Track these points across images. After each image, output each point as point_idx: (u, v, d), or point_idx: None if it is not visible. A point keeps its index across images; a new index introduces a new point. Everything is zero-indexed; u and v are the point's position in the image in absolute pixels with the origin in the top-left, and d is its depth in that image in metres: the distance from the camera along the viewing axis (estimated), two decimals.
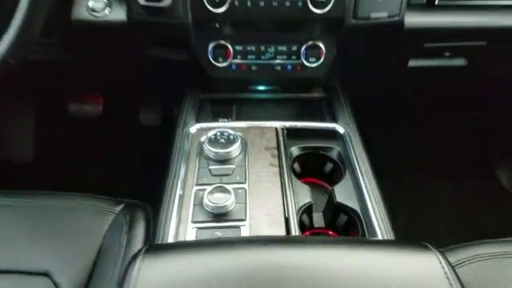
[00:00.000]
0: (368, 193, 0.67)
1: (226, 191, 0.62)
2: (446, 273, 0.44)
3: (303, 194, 0.67)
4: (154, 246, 0.52)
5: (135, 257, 0.42)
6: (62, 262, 0.67)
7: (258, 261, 0.43)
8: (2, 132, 1.36)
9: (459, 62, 0.94)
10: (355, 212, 0.65)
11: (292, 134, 0.77)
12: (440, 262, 0.45)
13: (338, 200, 0.67)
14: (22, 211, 0.74)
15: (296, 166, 0.75)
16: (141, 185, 0.90)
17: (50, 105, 1.34)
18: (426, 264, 0.45)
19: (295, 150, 0.76)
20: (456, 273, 0.44)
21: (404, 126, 1.25)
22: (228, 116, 0.82)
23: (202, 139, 0.72)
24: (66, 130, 1.36)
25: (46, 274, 0.65)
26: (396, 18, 0.77)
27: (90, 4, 0.75)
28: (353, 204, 0.66)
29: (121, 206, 0.74)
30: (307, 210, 0.67)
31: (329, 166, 0.77)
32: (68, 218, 0.73)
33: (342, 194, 0.68)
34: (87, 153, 1.32)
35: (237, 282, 0.39)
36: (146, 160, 1.14)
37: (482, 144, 1.36)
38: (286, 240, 0.52)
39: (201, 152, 0.71)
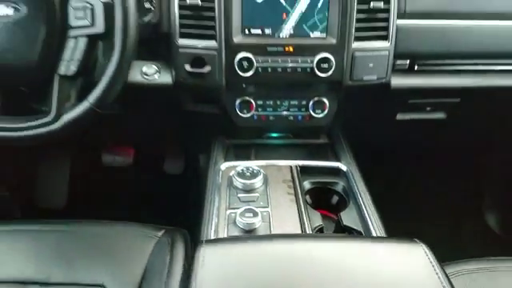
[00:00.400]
0: (370, 218, 0.80)
1: (253, 212, 0.77)
2: (431, 262, 0.57)
3: (315, 219, 0.82)
4: (211, 240, 0.66)
5: (198, 247, 0.56)
6: (115, 276, 0.78)
7: (286, 250, 0.58)
8: (39, 178, 1.51)
9: (440, 115, 1.11)
10: (359, 232, 0.80)
11: (304, 171, 0.92)
12: (426, 254, 0.58)
13: (344, 223, 0.81)
14: (81, 235, 0.86)
15: (307, 197, 0.90)
16: (171, 216, 1.02)
17: (85, 154, 1.51)
18: (413, 255, 0.58)
19: (307, 184, 0.90)
20: (442, 266, 0.57)
21: (398, 169, 1.41)
22: (249, 157, 0.99)
23: (231, 173, 0.88)
24: (97, 177, 1.51)
25: (101, 286, 0.77)
26: (384, 80, 0.95)
27: (144, 69, 0.95)
28: (357, 226, 0.81)
29: (162, 231, 0.86)
30: (319, 231, 0.81)
31: (335, 199, 0.91)
32: (118, 240, 0.85)
33: (348, 219, 0.82)
34: (117, 198, 1.46)
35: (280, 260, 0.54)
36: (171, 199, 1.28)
37: (471, 187, 1.50)
38: (308, 235, 0.69)
39: (230, 184, 0.87)
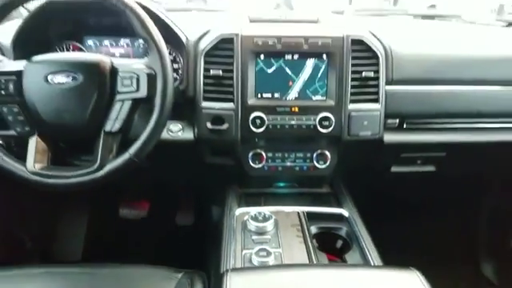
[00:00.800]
0: (372, 260, 0.90)
1: (267, 252, 0.87)
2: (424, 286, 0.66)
3: (322, 260, 0.91)
4: (235, 269, 0.76)
5: (224, 275, 0.66)
6: None
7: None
8: (58, 230, 1.60)
9: (429, 168, 1.24)
10: None
11: (310, 217, 1.03)
12: (421, 281, 0.68)
13: (349, 263, 0.91)
14: (101, 277, 0.92)
15: (314, 241, 0.98)
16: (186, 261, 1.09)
17: (103, 207, 1.61)
18: (409, 282, 0.68)
19: (313, 229, 1.00)
20: None
21: (396, 216, 1.50)
22: (260, 204, 1.10)
23: (245, 218, 0.99)
24: (113, 229, 1.60)
25: None
26: (377, 136, 1.08)
27: (170, 127, 1.09)
28: None
29: (181, 273, 0.92)
30: None
31: (339, 243, 1.01)
32: (139, 282, 0.91)
33: (352, 261, 0.91)
34: (131, 249, 1.54)
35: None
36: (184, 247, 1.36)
37: (468, 238, 1.57)
38: (317, 265, 0.80)
39: (244, 227, 0.98)
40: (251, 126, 1.04)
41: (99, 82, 0.86)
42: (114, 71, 0.87)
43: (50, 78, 0.85)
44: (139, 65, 0.87)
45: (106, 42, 1.18)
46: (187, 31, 1.11)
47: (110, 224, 1.61)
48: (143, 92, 0.85)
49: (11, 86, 0.86)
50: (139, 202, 1.61)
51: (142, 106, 0.90)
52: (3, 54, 1.08)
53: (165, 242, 1.54)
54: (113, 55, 1.16)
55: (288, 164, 1.13)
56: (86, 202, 1.62)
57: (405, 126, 1.14)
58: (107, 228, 1.61)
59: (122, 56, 1.17)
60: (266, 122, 1.04)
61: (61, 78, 0.86)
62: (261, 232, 0.95)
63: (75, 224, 1.61)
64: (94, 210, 1.61)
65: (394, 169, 1.23)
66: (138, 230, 1.60)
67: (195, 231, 1.54)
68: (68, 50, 1.17)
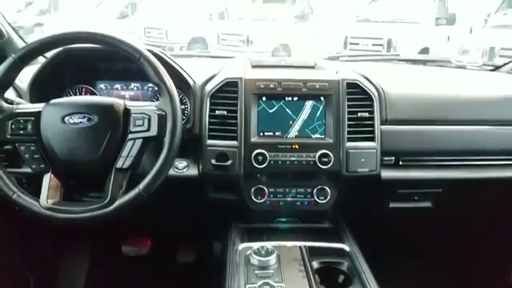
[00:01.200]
0: None
1: (270, 286, 0.89)
2: None
3: None
4: None
5: None
6: None
7: None
8: (60, 267, 1.60)
9: (426, 204, 1.27)
10: None
11: (312, 251, 1.05)
12: None
13: None
14: None
15: (316, 276, 0.99)
16: None
17: (105, 245, 1.63)
18: None
19: (315, 264, 1.02)
20: None
21: (397, 250, 1.51)
22: (262, 239, 1.12)
23: (248, 252, 1.01)
24: (114, 266, 1.60)
25: None
26: (374, 172, 1.13)
27: (175, 164, 1.15)
28: None
29: None
30: None
31: (341, 277, 1.02)
32: None
33: None
34: (132, 285, 1.54)
35: None
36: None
37: (469, 272, 1.56)
38: None
39: (247, 262, 0.99)
40: (254, 163, 1.09)
41: (113, 123, 0.92)
42: (126, 112, 0.93)
43: (66, 118, 0.92)
44: (150, 106, 0.94)
45: (117, 86, 1.26)
46: (193, 75, 1.19)
47: (111, 261, 1.62)
48: (154, 131, 0.91)
49: (29, 126, 0.92)
50: (141, 239, 1.62)
51: (150, 144, 0.96)
52: (20, 96, 1.16)
53: (166, 279, 1.54)
54: (123, 97, 1.24)
55: (289, 199, 1.17)
56: (88, 239, 1.63)
57: (401, 163, 1.19)
58: (109, 264, 1.61)
59: (131, 98, 1.25)
60: (268, 159, 1.10)
61: (77, 119, 0.92)
62: (264, 266, 0.97)
63: (78, 261, 1.62)
64: (96, 246, 1.62)
65: (391, 205, 1.27)
66: (140, 267, 1.61)
67: (197, 268, 1.54)
68: (81, 94, 1.24)
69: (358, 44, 7.47)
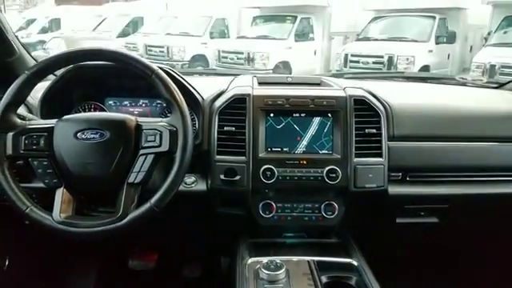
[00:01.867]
0: None
1: None
2: None
3: None
4: None
5: None
6: None
7: None
8: (68, 279, 1.59)
9: (433, 219, 1.28)
10: None
11: (320, 266, 1.05)
12: None
13: None
14: None
15: None
16: None
17: (111, 259, 1.62)
18: None
19: (324, 278, 1.02)
20: None
21: (405, 265, 1.50)
22: (270, 254, 1.12)
23: (257, 267, 1.01)
24: (122, 279, 1.60)
25: None
26: (382, 188, 1.14)
27: (185, 179, 1.15)
28: None
29: None
30: None
31: None
32: None
33: None
34: None
35: None
36: None
37: (475, 284, 1.55)
38: None
39: (256, 276, 0.99)
40: (262, 178, 1.10)
41: (125, 138, 0.94)
42: (138, 128, 0.95)
43: (79, 134, 0.93)
44: (162, 123, 0.95)
45: (126, 102, 1.28)
46: (201, 91, 1.21)
47: (118, 274, 1.61)
48: (165, 147, 0.93)
49: (42, 142, 0.94)
50: (147, 253, 1.62)
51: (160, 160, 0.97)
52: (31, 112, 1.18)
53: None
54: (132, 113, 1.25)
55: (297, 214, 1.17)
56: (95, 253, 1.63)
57: (408, 178, 1.20)
58: (116, 278, 1.61)
59: (140, 114, 1.27)
60: (276, 174, 1.11)
61: (89, 135, 0.93)
62: (273, 280, 0.97)
63: (85, 274, 1.61)
64: (103, 260, 1.62)
65: (399, 220, 1.27)
66: (147, 281, 1.60)
67: (203, 282, 1.53)
68: (90, 110, 1.27)
69: (358, 62, 7.57)
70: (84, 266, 1.61)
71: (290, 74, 8.25)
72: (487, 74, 6.00)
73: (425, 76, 1.75)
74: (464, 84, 1.62)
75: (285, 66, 8.39)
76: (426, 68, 7.22)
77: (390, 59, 7.15)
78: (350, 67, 7.60)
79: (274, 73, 8.10)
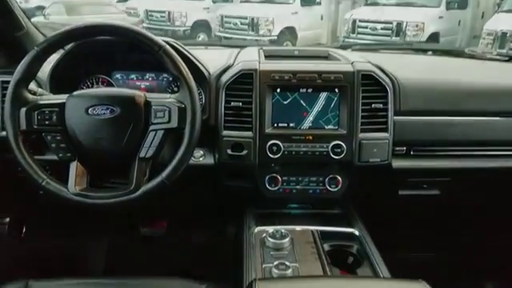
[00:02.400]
0: (382, 274, 0.97)
1: (285, 266, 0.94)
2: None
3: (336, 274, 0.98)
4: (262, 279, 0.83)
5: (251, 284, 0.73)
6: None
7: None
8: (78, 244, 1.67)
9: (434, 191, 1.31)
10: None
11: (323, 235, 1.10)
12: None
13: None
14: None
15: (328, 258, 1.04)
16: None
17: (124, 226, 1.69)
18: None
19: (326, 246, 1.07)
20: None
21: (405, 235, 1.55)
22: (276, 224, 1.16)
23: (263, 235, 1.06)
24: (134, 246, 1.67)
25: None
26: (386, 162, 1.16)
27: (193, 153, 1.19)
28: None
29: (205, 285, 0.99)
30: None
31: (351, 259, 1.07)
32: None
33: (363, 274, 0.98)
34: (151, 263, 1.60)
35: None
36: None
37: (471, 261, 1.61)
38: (334, 276, 0.90)
39: (263, 243, 1.05)
40: (268, 153, 1.13)
41: (135, 114, 0.96)
42: (147, 104, 0.96)
43: (90, 110, 0.95)
44: (170, 99, 0.97)
45: (133, 76, 1.29)
46: (207, 65, 1.21)
47: (130, 240, 1.69)
48: (174, 123, 0.95)
49: (54, 117, 0.96)
50: (158, 222, 1.69)
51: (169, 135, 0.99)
52: (40, 86, 1.19)
53: (182, 258, 1.60)
54: (139, 87, 1.27)
55: (301, 187, 1.21)
56: (108, 220, 1.68)
57: (412, 152, 1.22)
58: (128, 243, 1.68)
59: (147, 88, 1.28)
60: (282, 149, 1.13)
61: (100, 110, 0.95)
62: (278, 248, 1.03)
63: (98, 240, 1.69)
64: (116, 227, 1.68)
65: (401, 192, 1.30)
66: (157, 246, 1.68)
67: (210, 249, 1.60)
68: (98, 83, 1.28)
69: (366, 28, 7.39)
70: (97, 232, 1.67)
71: (296, 40, 8.14)
72: (498, 41, 5.85)
73: (433, 48, 1.72)
74: (473, 57, 1.60)
75: (290, 31, 8.21)
76: (435, 35, 7.03)
77: (399, 26, 6.97)
78: (358, 33, 7.43)
79: (279, 39, 7.94)
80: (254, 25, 8.08)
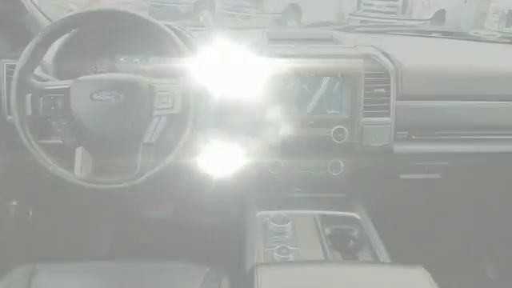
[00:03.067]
0: (382, 259, 1.00)
1: (287, 250, 0.97)
2: (431, 283, 0.75)
3: (337, 258, 1.01)
4: (264, 264, 0.86)
5: (253, 268, 0.76)
6: None
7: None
8: (83, 228, 1.71)
9: (435, 175, 1.33)
10: None
11: (324, 219, 1.13)
12: (427, 276, 0.77)
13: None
14: (131, 272, 1.01)
15: (329, 241, 1.08)
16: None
17: (129, 209, 1.72)
18: (417, 278, 0.77)
19: (328, 230, 1.10)
20: None
21: (406, 219, 1.58)
22: (278, 208, 1.19)
23: (266, 220, 1.09)
24: (139, 228, 1.72)
25: None
26: (388, 146, 1.17)
27: None
28: None
29: (208, 268, 1.00)
30: None
31: (351, 243, 1.11)
32: (172, 274, 1.00)
33: (363, 258, 1.01)
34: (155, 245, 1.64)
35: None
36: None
37: (471, 239, 1.64)
38: (335, 261, 0.93)
39: (265, 228, 1.08)
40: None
41: (139, 100, 0.97)
42: (151, 90, 0.97)
43: (94, 95, 0.96)
44: (174, 85, 0.98)
45: (136, 59, 1.29)
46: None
47: (136, 222, 1.73)
48: (178, 109, 0.96)
49: (60, 103, 0.98)
50: (162, 204, 1.73)
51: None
52: (45, 71, 1.20)
53: (186, 240, 1.64)
54: (143, 71, 1.27)
55: (303, 171, 1.23)
56: (114, 203, 1.72)
57: (414, 137, 1.22)
58: (133, 225, 1.72)
59: (150, 72, 1.28)
60: (285, 134, 1.14)
61: (105, 96, 0.96)
62: (280, 232, 1.05)
63: (104, 222, 1.73)
64: (122, 209, 1.72)
65: (402, 176, 1.32)
66: (162, 229, 1.72)
67: (214, 231, 1.64)
68: (102, 67, 1.28)
69: (371, 5, 7.25)
70: (103, 214, 1.71)
71: (300, 17, 7.97)
72: (505, 19, 5.73)
73: (437, 30, 1.70)
74: (478, 39, 1.58)
75: (295, 8, 8.04)
76: (441, 12, 6.89)
77: (405, 3, 6.83)
78: (364, 10, 7.30)
79: (283, 17, 7.78)
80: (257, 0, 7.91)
